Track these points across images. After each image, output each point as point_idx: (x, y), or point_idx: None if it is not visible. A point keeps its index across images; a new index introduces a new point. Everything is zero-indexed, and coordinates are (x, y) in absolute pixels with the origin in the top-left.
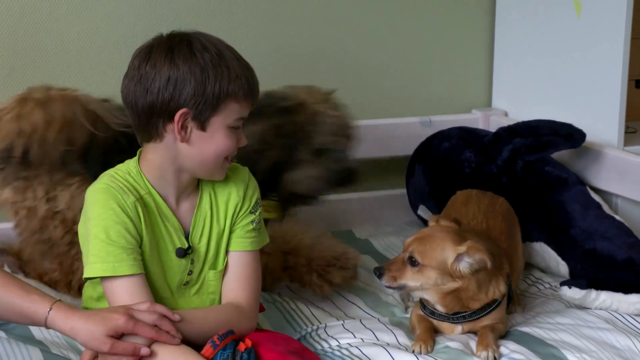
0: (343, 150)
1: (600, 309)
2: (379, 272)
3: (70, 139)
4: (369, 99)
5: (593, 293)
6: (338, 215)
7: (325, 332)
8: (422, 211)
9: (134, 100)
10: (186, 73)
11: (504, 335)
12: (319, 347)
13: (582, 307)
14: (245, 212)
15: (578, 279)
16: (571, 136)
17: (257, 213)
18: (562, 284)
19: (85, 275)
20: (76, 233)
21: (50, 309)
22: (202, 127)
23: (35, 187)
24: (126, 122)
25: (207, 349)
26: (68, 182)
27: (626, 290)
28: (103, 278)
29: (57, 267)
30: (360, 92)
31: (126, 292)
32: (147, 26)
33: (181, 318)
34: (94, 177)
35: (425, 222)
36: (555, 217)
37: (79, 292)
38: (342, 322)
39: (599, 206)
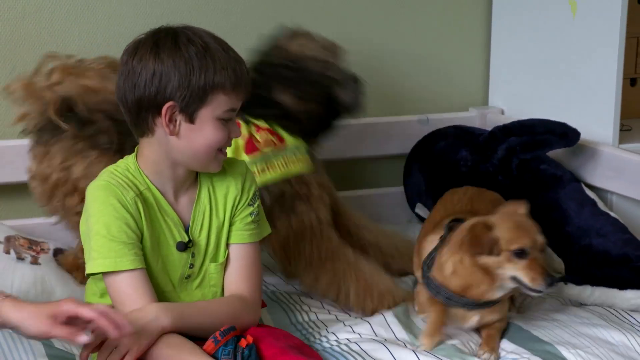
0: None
1: (595, 305)
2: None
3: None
4: (367, 98)
5: (588, 289)
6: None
7: (325, 327)
8: (420, 209)
9: (124, 96)
10: (170, 66)
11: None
12: (318, 342)
13: (577, 304)
14: (244, 204)
15: (574, 275)
16: (566, 135)
17: (256, 205)
18: (558, 280)
19: (88, 271)
20: None
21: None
22: (191, 119)
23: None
24: None
25: (209, 345)
26: (86, 154)
27: (621, 286)
28: (105, 274)
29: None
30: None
31: (129, 286)
32: (148, 26)
33: (180, 314)
34: (115, 152)
35: (422, 220)
36: (550, 215)
37: None
38: (343, 320)
39: (594, 203)
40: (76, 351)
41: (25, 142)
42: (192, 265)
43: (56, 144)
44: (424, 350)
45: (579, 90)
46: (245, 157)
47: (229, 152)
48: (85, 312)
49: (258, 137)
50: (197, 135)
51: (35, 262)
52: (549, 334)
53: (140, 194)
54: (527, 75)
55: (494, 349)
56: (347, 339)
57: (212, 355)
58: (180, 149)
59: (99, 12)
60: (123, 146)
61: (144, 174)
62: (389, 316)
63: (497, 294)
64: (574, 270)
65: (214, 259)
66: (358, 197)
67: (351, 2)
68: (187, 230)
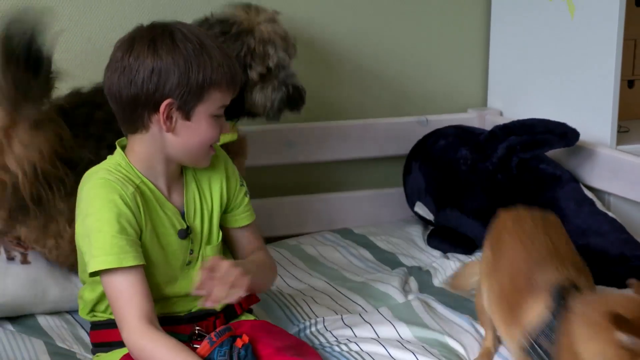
0: (289, 67)
1: None
2: None
3: None
4: (366, 100)
5: None
6: (335, 213)
7: (324, 326)
8: (419, 208)
9: (118, 92)
10: (170, 64)
11: None
12: (317, 341)
13: None
14: (235, 187)
15: None
16: (565, 135)
17: (245, 185)
18: None
19: (90, 269)
20: None
21: None
22: (187, 116)
23: None
24: None
25: (204, 346)
26: None
27: (619, 286)
28: (104, 272)
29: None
30: (358, 93)
31: (130, 283)
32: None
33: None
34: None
35: (422, 219)
36: None
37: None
38: (340, 315)
39: (592, 203)
40: (77, 349)
41: None
42: (192, 251)
43: None
44: None
45: (577, 91)
46: None
47: None
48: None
49: None
50: (193, 132)
51: (25, 260)
52: None
53: (137, 188)
54: (525, 76)
55: None
56: (347, 339)
57: (208, 357)
58: (175, 145)
59: (100, 14)
60: None
61: (136, 169)
62: (390, 315)
63: None
64: None
65: (209, 241)
66: (358, 198)
67: (352, 4)
68: (183, 218)
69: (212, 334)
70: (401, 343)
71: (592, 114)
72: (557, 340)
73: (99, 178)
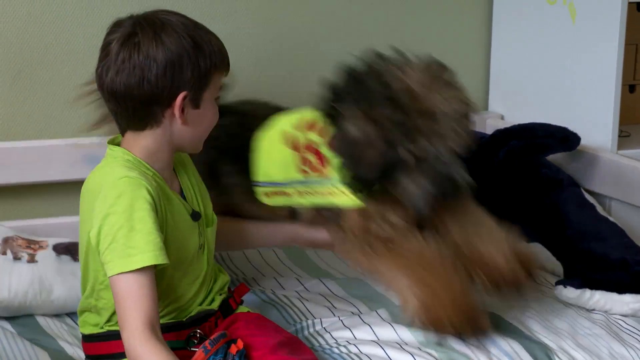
0: (453, 153)
1: (593, 309)
2: None
3: None
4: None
5: (587, 292)
6: None
7: (323, 327)
8: None
9: (127, 93)
10: (182, 54)
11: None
12: (315, 343)
13: (577, 307)
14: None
15: (573, 279)
16: (567, 139)
17: None
18: (557, 283)
19: (127, 268)
20: None
21: None
22: (197, 105)
23: None
24: None
25: (199, 354)
26: None
27: (620, 290)
28: (123, 273)
29: None
30: None
31: (140, 284)
32: None
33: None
34: None
35: None
36: (550, 218)
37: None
38: (338, 316)
39: (593, 207)
40: (80, 352)
41: (24, 144)
42: (201, 234)
43: None
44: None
45: (578, 96)
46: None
47: None
48: None
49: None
50: (202, 119)
51: (32, 260)
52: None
53: (154, 180)
54: (526, 80)
55: None
56: (347, 340)
57: None
58: (184, 135)
59: (103, 14)
60: None
61: (144, 162)
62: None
63: None
64: (573, 273)
65: (207, 223)
66: None
67: (352, 5)
68: (185, 201)
69: (207, 342)
70: (400, 345)
71: (593, 119)
72: None
73: (120, 177)
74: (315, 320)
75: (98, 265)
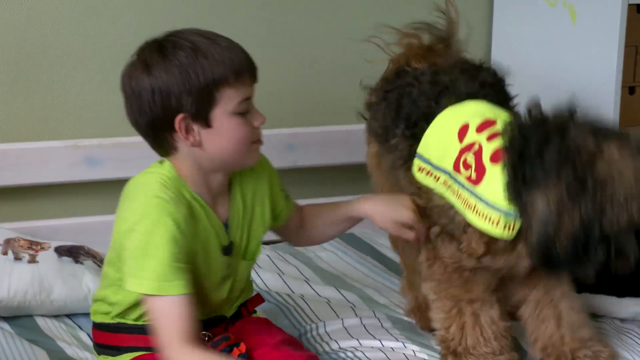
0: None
1: (593, 313)
2: None
3: None
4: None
5: (587, 297)
6: None
7: (327, 333)
8: None
9: (136, 122)
10: (166, 79)
11: None
12: (320, 348)
13: None
14: (279, 199)
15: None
16: None
17: (284, 189)
18: None
19: (131, 288)
20: None
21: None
22: (207, 124)
23: None
24: None
25: None
26: None
27: (620, 294)
28: (149, 295)
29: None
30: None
31: (172, 308)
32: (153, 29)
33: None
34: None
35: None
36: None
37: None
38: (341, 320)
39: None
40: (80, 353)
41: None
42: (230, 265)
43: None
44: None
45: (578, 97)
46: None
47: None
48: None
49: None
50: (219, 137)
51: (32, 260)
52: None
53: (189, 205)
54: (527, 81)
55: None
56: (352, 346)
57: None
58: (209, 157)
59: (103, 15)
60: None
61: (185, 182)
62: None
63: None
64: (573, 278)
65: (245, 257)
66: None
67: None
68: (227, 233)
69: (209, 344)
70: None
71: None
72: None
73: (153, 196)
74: (319, 323)
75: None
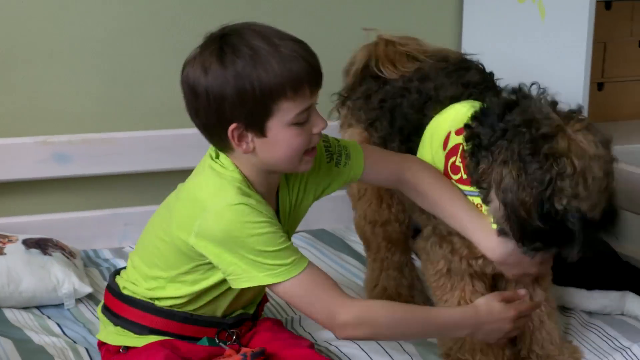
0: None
1: (562, 305)
2: None
3: None
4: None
5: (557, 289)
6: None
7: (301, 326)
8: None
9: (192, 119)
10: (221, 86)
11: None
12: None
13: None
14: (329, 180)
15: None
16: None
17: (339, 154)
18: None
19: (284, 277)
20: None
21: None
22: (262, 133)
23: None
24: None
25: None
26: None
27: (589, 287)
28: (287, 281)
29: None
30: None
31: (312, 276)
32: (127, 24)
33: None
34: None
35: None
36: None
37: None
38: None
39: None
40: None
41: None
42: None
43: None
44: None
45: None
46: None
47: None
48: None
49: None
50: (274, 146)
51: (0, 252)
52: None
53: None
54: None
55: None
56: (326, 341)
57: None
58: (264, 161)
59: (72, 11)
60: None
61: (250, 184)
62: None
63: None
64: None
65: None
66: (333, 198)
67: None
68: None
69: (249, 353)
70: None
71: None
72: None
73: (234, 203)
74: (294, 317)
75: (183, 263)
